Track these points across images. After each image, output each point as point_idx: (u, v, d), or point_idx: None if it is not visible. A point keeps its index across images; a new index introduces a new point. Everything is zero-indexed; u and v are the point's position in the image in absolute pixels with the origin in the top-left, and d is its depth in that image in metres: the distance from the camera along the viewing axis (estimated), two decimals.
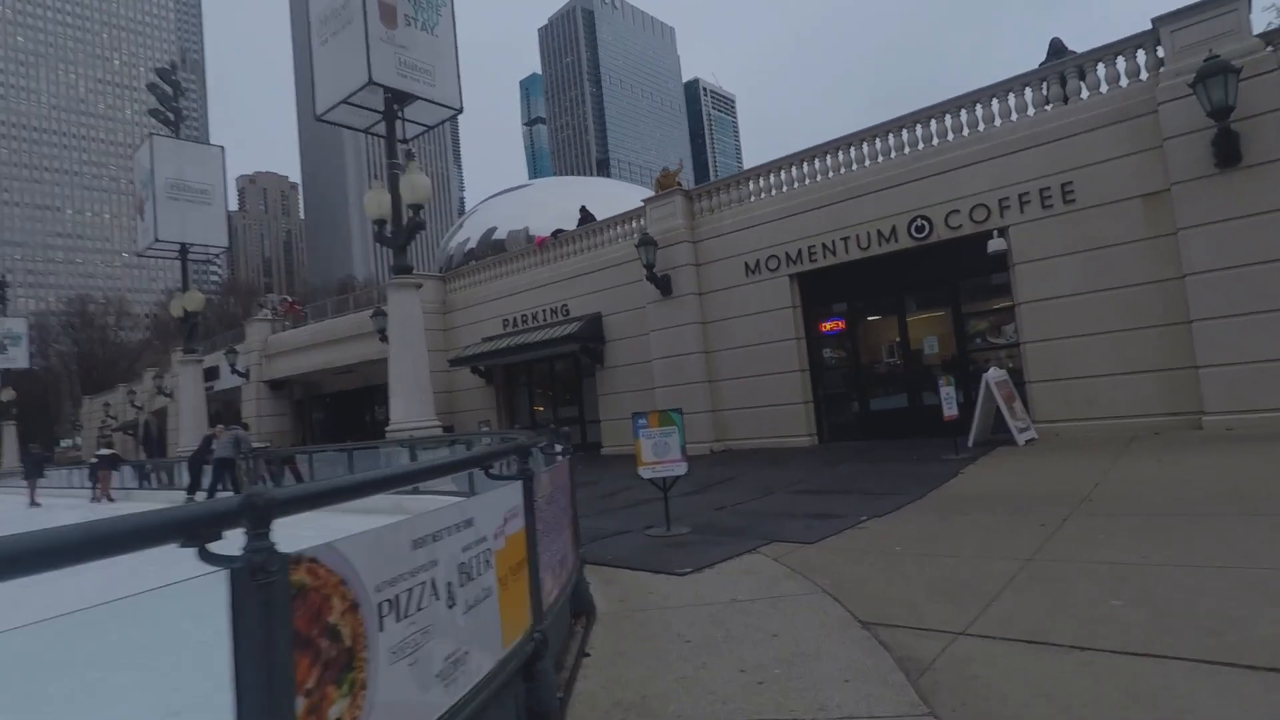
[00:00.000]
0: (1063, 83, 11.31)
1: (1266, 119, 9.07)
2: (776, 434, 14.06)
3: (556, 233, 20.03)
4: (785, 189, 14.58)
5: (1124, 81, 10.81)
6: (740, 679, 3.26)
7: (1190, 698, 2.64)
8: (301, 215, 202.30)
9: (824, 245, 13.58)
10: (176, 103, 22.20)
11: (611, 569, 5.65)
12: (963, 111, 12.33)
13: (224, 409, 26.88)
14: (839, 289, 14.00)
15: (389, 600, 1.99)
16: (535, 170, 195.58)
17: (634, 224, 17.21)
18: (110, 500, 20.42)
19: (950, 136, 12.45)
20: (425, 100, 12.82)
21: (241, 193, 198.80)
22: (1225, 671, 2.81)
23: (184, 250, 22.47)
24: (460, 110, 13.52)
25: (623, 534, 7.04)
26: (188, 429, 22.14)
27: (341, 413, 28.19)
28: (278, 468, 15.82)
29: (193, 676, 2.67)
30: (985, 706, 2.77)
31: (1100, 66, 10.99)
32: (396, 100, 12.57)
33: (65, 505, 20.35)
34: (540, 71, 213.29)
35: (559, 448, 4.98)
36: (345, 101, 12.53)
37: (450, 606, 2.32)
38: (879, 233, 12.91)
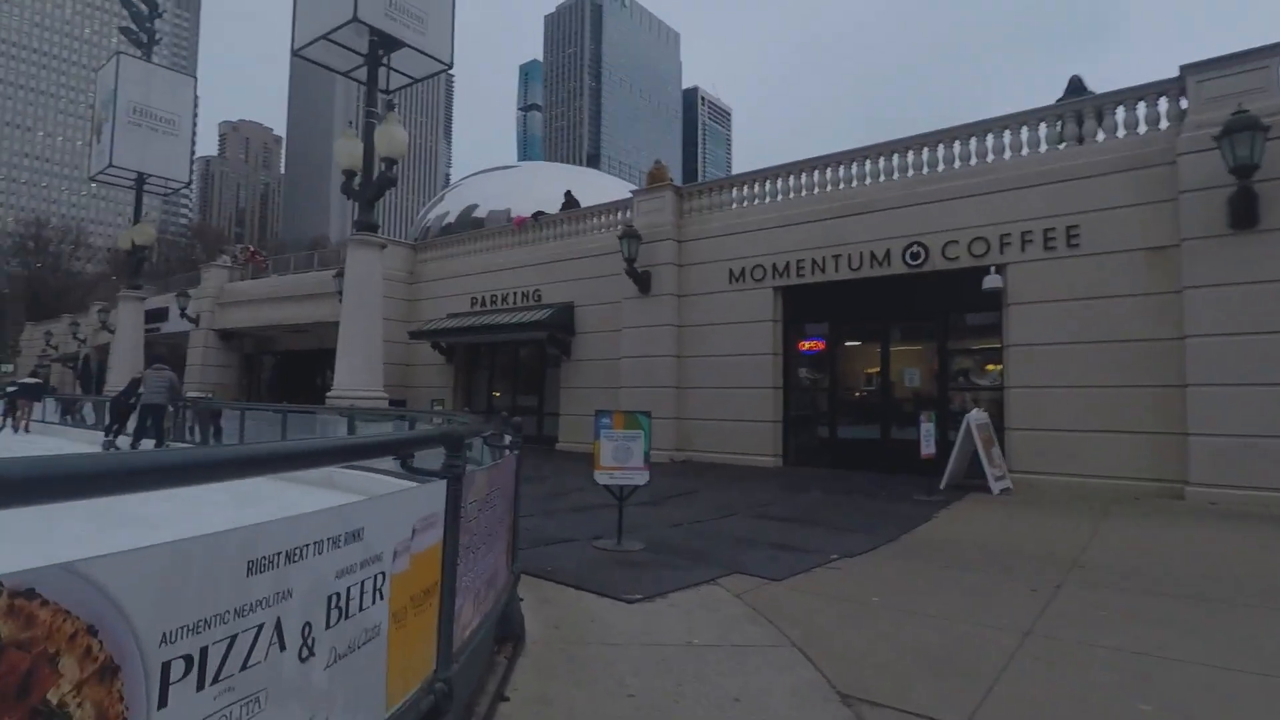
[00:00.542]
0: (1079, 122, 10.89)
1: None
2: (741, 450, 13.44)
3: (537, 215, 19.20)
4: (780, 198, 14.01)
5: (1142, 128, 10.41)
6: None
7: None
8: (282, 170, 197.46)
9: (813, 261, 13.02)
10: (151, 23, 20.70)
11: (550, 584, 4.95)
12: (972, 140, 11.88)
13: (169, 353, 25.41)
14: (823, 308, 13.44)
15: (186, 657, 1.26)
16: (525, 156, 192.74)
17: (620, 215, 16.51)
18: (27, 432, 19.08)
19: (956, 164, 11.97)
20: (413, 49, 11.86)
21: (223, 139, 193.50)
22: None
23: (140, 180, 21.11)
24: (449, 66, 12.65)
25: (567, 542, 6.34)
26: (119, 368, 20.85)
27: (292, 372, 26.93)
28: (208, 420, 14.65)
29: None
30: None
31: (1120, 110, 10.58)
32: (382, 45, 11.63)
33: None
34: (541, 59, 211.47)
35: (508, 439, 4.27)
36: (326, 38, 11.49)
37: (305, 659, 1.58)
38: (872, 254, 12.39)
